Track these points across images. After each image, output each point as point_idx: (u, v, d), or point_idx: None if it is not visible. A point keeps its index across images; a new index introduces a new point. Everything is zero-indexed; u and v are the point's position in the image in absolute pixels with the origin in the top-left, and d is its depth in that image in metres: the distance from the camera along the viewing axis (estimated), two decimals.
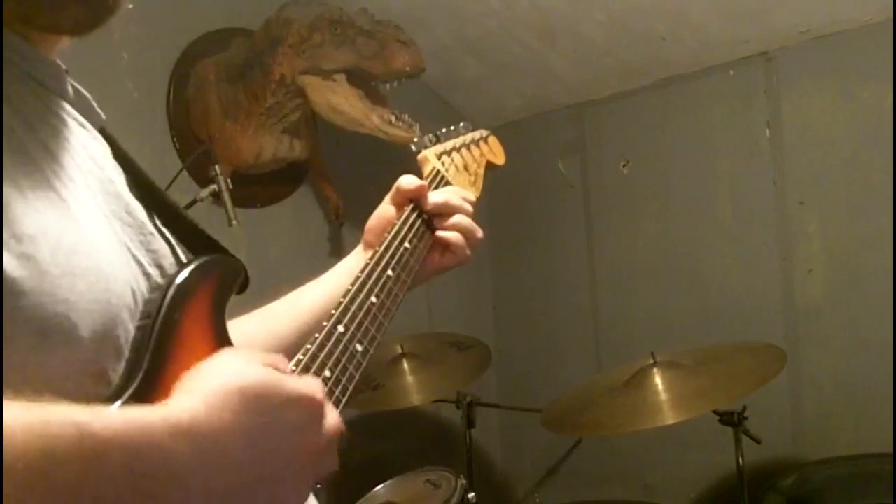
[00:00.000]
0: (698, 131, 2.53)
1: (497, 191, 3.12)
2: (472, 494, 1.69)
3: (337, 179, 2.61)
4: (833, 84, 2.25)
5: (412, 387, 2.23)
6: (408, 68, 2.17)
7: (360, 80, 2.23)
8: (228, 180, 2.05)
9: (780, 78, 2.34)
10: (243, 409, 0.60)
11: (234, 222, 2.02)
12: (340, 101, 2.22)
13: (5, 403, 0.49)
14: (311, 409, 0.65)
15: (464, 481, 1.71)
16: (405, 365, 2.26)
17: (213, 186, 2.03)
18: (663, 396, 1.81)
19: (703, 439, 2.32)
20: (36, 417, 0.50)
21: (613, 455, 2.67)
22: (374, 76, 2.21)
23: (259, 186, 2.51)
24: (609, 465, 2.70)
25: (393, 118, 2.22)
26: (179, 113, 2.40)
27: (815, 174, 2.29)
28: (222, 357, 0.66)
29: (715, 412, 1.87)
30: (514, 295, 3.09)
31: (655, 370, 1.86)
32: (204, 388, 0.60)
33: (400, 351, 2.28)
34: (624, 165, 2.72)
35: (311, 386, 0.67)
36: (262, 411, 0.61)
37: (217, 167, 2.04)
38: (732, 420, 1.88)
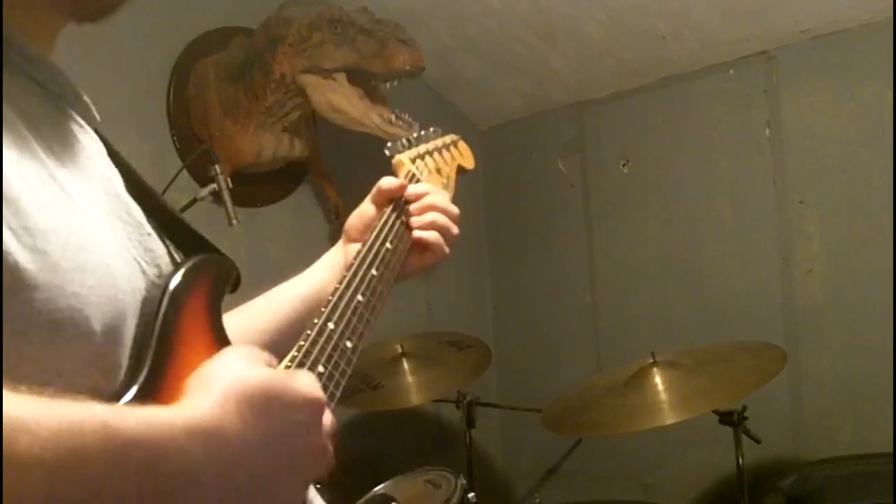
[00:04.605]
0: (698, 130, 2.52)
1: (497, 190, 3.12)
2: (472, 494, 1.69)
3: (337, 179, 2.61)
4: (833, 83, 2.25)
5: (412, 386, 2.23)
6: (408, 67, 2.17)
7: (360, 79, 2.22)
8: (228, 179, 2.05)
9: (781, 77, 2.34)
10: (254, 411, 0.62)
11: (235, 221, 2.02)
12: (340, 101, 2.22)
13: (32, 398, 0.51)
14: (315, 409, 0.68)
15: (464, 481, 1.71)
16: (405, 364, 2.25)
17: (213, 186, 2.03)
18: (663, 396, 1.81)
19: (703, 439, 2.31)
20: (65, 413, 0.51)
21: (613, 455, 2.67)
22: (374, 75, 2.21)
23: (259, 186, 2.51)
24: (609, 465, 2.70)
25: (393, 117, 2.22)
26: (179, 112, 2.40)
27: (815, 174, 2.29)
28: (228, 358, 0.68)
29: (715, 412, 1.87)
30: (513, 294, 3.09)
31: (655, 370, 1.86)
32: (215, 391, 0.63)
33: (400, 350, 2.27)
34: (624, 165, 2.72)
35: (313, 387, 0.69)
36: (271, 413, 0.64)
37: (217, 166, 2.04)
38: (732, 420, 1.88)
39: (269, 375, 0.66)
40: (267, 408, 0.63)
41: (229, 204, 2.01)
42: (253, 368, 0.67)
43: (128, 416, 0.55)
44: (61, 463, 0.49)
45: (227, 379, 0.64)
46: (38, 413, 0.50)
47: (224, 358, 0.68)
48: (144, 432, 0.55)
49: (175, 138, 2.39)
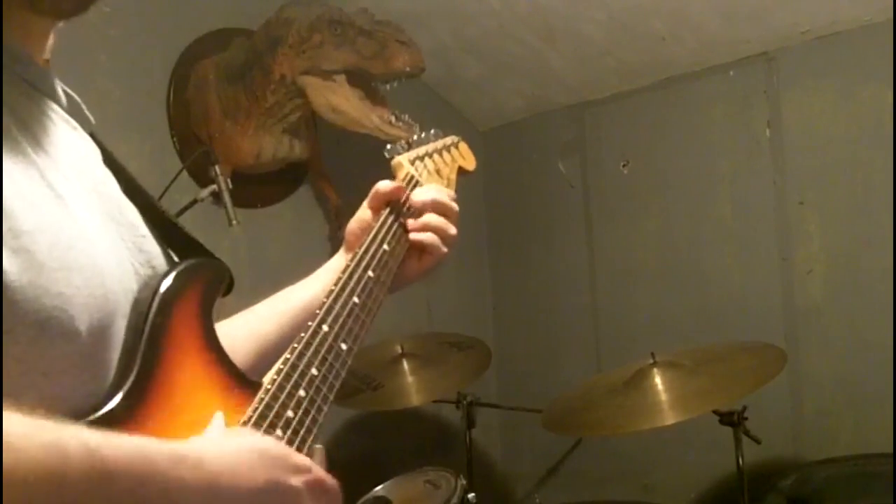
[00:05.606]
0: (698, 131, 2.53)
1: (497, 190, 3.12)
2: (472, 495, 1.68)
3: (337, 179, 2.61)
4: (833, 84, 2.25)
5: (412, 387, 2.23)
6: (408, 68, 2.17)
7: (360, 80, 2.23)
8: (228, 180, 2.05)
9: (781, 78, 2.34)
10: (254, 463, 0.64)
11: (234, 222, 2.02)
12: (340, 102, 2.22)
13: (20, 419, 0.51)
14: (313, 483, 0.69)
15: (464, 481, 1.71)
16: (405, 365, 2.25)
17: (213, 186, 2.03)
18: (663, 396, 1.81)
19: (703, 439, 2.31)
20: (52, 435, 0.52)
21: (613, 455, 2.67)
22: (374, 76, 2.21)
23: (259, 186, 2.51)
24: (609, 466, 2.70)
25: (393, 118, 2.22)
26: (179, 113, 2.40)
27: (815, 174, 2.29)
28: (243, 428, 0.70)
29: (715, 412, 1.87)
30: (513, 295, 3.09)
31: (655, 370, 1.86)
32: (219, 436, 0.66)
33: (400, 351, 2.27)
34: (624, 165, 2.72)
35: (319, 467, 0.71)
36: (268, 467, 0.65)
37: (217, 167, 2.04)
38: (732, 420, 1.87)
39: (276, 442, 0.69)
40: (268, 464, 0.65)
41: (229, 205, 2.02)
42: (263, 436, 0.69)
43: (116, 443, 0.55)
44: (40, 483, 0.49)
45: (234, 433, 0.67)
46: (24, 432, 0.50)
47: (240, 427, 0.70)
48: (132, 461, 0.55)
49: (175, 139, 2.39)
